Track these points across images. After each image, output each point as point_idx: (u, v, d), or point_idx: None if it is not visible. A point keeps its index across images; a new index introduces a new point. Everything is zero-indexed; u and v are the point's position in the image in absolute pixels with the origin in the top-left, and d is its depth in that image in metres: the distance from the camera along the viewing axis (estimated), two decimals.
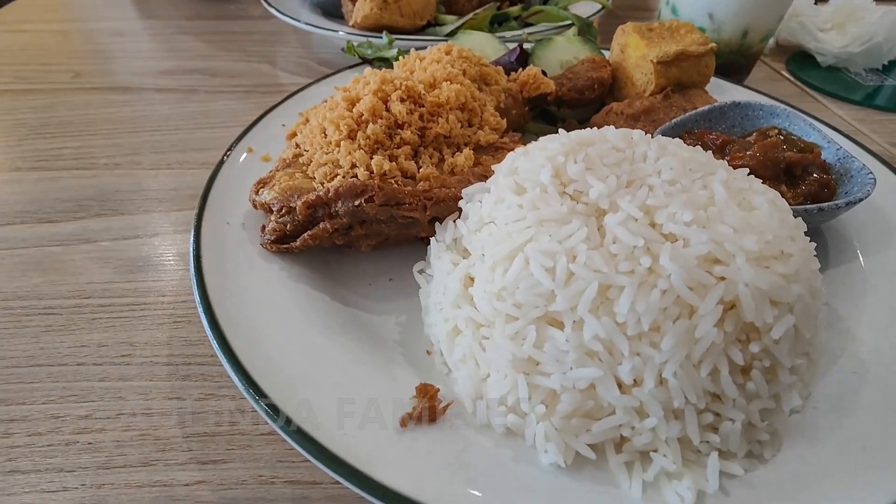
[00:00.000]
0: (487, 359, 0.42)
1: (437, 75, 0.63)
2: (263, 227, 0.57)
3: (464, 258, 0.48)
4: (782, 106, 0.71)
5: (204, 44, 1.22)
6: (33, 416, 0.50)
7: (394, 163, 0.56)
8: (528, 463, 0.39)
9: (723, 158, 0.66)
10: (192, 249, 0.54)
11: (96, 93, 1.02)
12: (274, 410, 0.40)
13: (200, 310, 0.48)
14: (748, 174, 0.60)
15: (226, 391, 0.51)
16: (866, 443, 0.41)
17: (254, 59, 1.16)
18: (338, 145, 0.57)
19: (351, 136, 0.57)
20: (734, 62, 1.03)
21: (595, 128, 0.75)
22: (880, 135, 0.97)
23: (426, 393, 0.43)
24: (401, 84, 0.60)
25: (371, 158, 0.55)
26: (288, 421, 0.39)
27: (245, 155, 0.69)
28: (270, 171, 0.61)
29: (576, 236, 0.40)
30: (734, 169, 0.62)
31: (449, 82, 0.63)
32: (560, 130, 0.54)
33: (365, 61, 0.92)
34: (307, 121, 0.75)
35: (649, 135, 0.54)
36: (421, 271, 0.55)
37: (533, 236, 0.41)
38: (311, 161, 0.59)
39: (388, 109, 0.58)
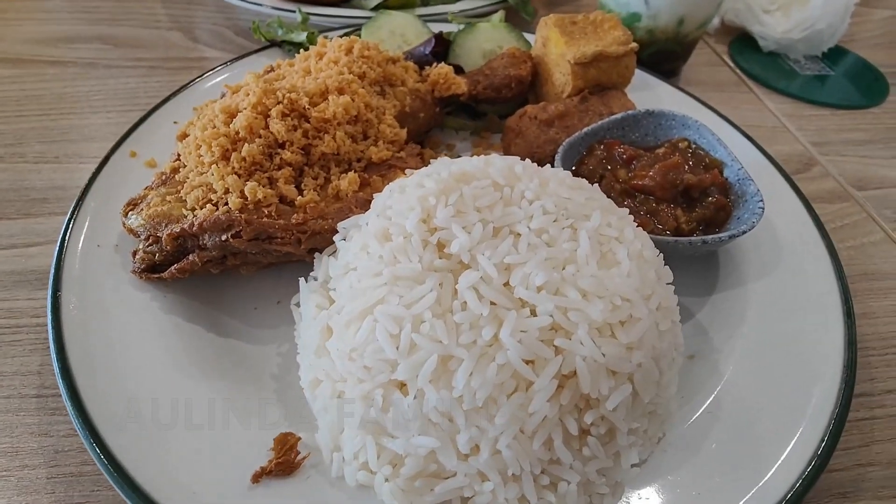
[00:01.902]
0: (343, 415, 0.42)
1: (328, 83, 0.59)
2: (135, 253, 0.54)
3: (329, 302, 0.47)
4: (693, 118, 0.69)
5: (111, 3, 1.11)
6: None
7: (271, 188, 0.53)
8: None
9: (627, 174, 0.66)
10: (51, 280, 0.51)
11: None
12: (121, 474, 0.39)
13: (53, 356, 0.46)
14: (640, 200, 0.60)
15: None
16: (701, 489, 0.43)
17: (164, 23, 1.07)
18: (210, 166, 0.53)
19: (225, 157, 0.53)
20: (670, 50, 1.00)
21: (509, 131, 0.74)
22: (804, 132, 0.97)
23: (285, 444, 0.43)
24: (283, 97, 0.55)
25: (245, 184, 0.52)
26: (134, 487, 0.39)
27: (128, 160, 0.65)
28: (145, 187, 0.57)
29: (425, 300, 0.39)
30: (635, 186, 0.63)
31: (340, 93, 0.59)
32: (440, 161, 0.52)
33: (273, 44, 0.85)
34: (198, 119, 0.70)
35: (535, 165, 0.52)
36: (298, 304, 0.53)
37: (384, 296, 0.40)
38: (187, 179, 0.55)
39: (267, 126, 0.54)
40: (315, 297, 0.47)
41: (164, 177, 0.57)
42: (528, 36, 0.91)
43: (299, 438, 0.44)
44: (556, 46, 0.76)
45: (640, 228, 0.50)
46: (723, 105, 0.99)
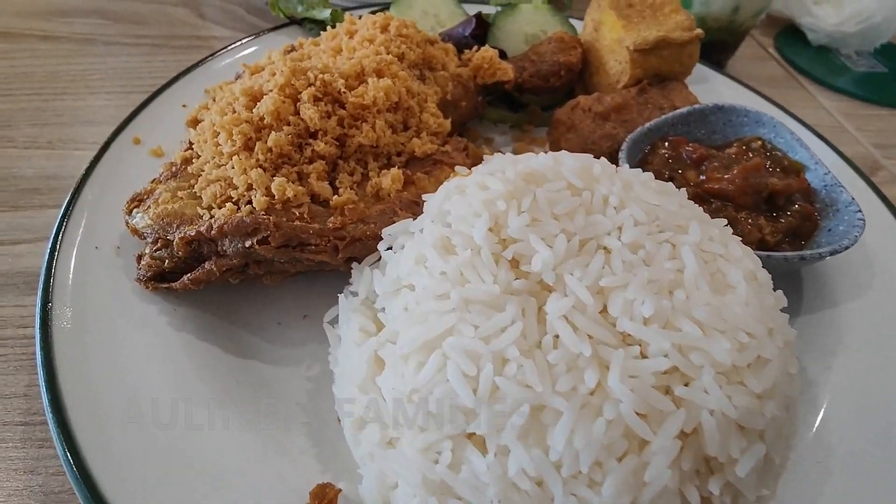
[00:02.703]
0: (395, 466, 0.34)
1: (365, 64, 0.51)
2: (139, 258, 0.46)
3: (377, 326, 0.39)
4: (769, 115, 0.62)
5: None
6: None
7: (302, 185, 0.45)
8: None
9: (699, 176, 0.58)
10: (41, 289, 0.43)
11: None
12: None
13: (41, 381, 0.38)
14: (715, 206, 0.53)
15: None
16: None
17: None
18: (231, 158, 0.45)
19: (248, 148, 0.45)
20: (721, 40, 0.92)
21: (559, 124, 0.66)
22: (865, 133, 0.89)
23: (322, 498, 0.36)
24: (316, 78, 0.47)
25: (272, 180, 0.44)
26: None
27: (131, 148, 0.57)
28: (153, 179, 0.49)
29: (508, 333, 0.31)
30: (710, 190, 0.55)
31: (379, 76, 0.50)
32: (498, 158, 0.44)
33: (293, 21, 0.77)
34: (213, 101, 0.62)
35: (614, 166, 0.45)
36: (333, 321, 0.45)
37: (455, 325, 0.32)
38: (202, 171, 0.47)
39: (297, 112, 0.46)
40: (358, 318, 0.40)
41: (174, 168, 0.49)
42: (571, 21, 0.83)
43: (339, 491, 0.36)
44: (612, 31, 0.68)
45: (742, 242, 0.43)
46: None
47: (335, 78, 0.48)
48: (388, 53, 0.55)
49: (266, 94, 0.47)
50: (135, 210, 0.45)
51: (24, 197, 0.62)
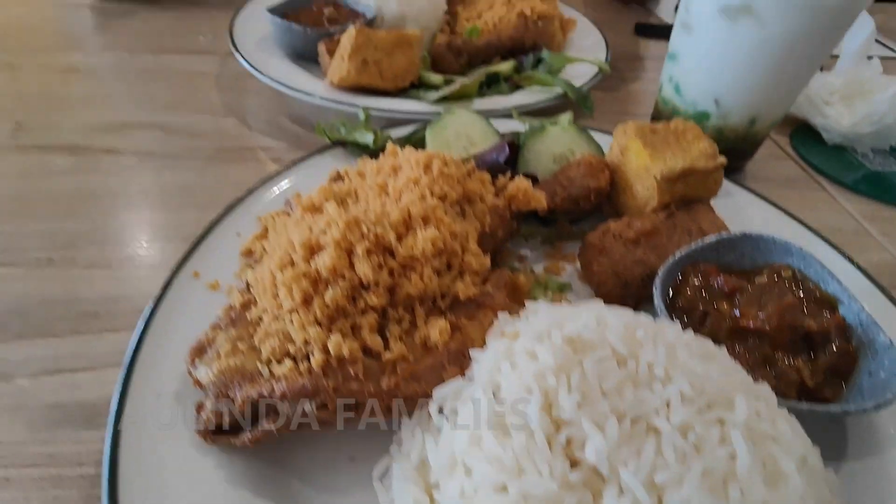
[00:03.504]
0: None
1: (412, 211, 0.55)
2: (199, 408, 0.48)
3: (430, 500, 0.40)
4: (797, 246, 0.64)
5: (168, 87, 1.11)
6: None
7: (354, 337, 0.47)
8: None
9: (732, 309, 0.59)
10: (108, 443, 0.45)
11: (37, 153, 0.90)
12: None
13: None
14: (752, 343, 0.54)
15: None
16: None
17: (219, 110, 1.05)
18: (290, 313, 0.48)
19: (307, 303, 0.48)
20: (738, 149, 0.95)
21: (591, 248, 0.68)
22: (890, 239, 0.91)
23: None
24: (369, 231, 0.51)
25: (329, 337, 0.46)
26: None
27: (190, 281, 0.60)
28: (213, 324, 0.52)
29: None
30: (746, 328, 0.57)
31: (425, 223, 0.54)
32: (540, 310, 0.46)
33: (336, 144, 0.82)
34: (265, 232, 0.66)
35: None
36: (383, 477, 0.47)
37: None
38: (260, 320, 0.50)
39: (352, 266, 0.50)
40: (413, 490, 0.41)
41: (232, 314, 0.52)
42: (597, 135, 0.88)
43: None
44: (639, 157, 0.72)
45: (787, 411, 0.43)
46: (796, 205, 0.94)
47: (387, 230, 0.51)
48: (431, 195, 0.59)
49: (323, 247, 0.50)
50: (198, 361, 0.48)
51: (86, 321, 0.65)
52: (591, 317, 0.45)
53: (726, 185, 0.84)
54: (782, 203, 0.94)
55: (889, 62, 1.58)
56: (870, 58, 1.24)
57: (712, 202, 0.76)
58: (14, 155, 0.90)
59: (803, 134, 1.15)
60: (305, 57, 1.11)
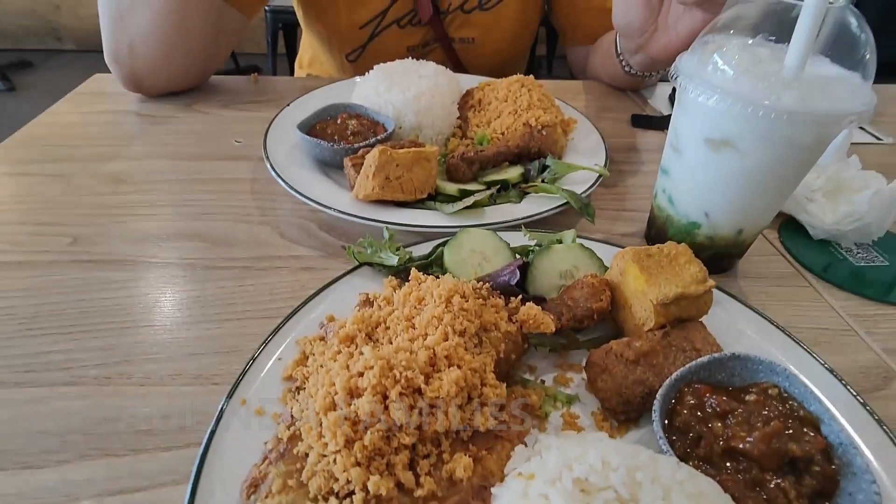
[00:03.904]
0: None
1: (437, 350, 0.63)
2: None
3: None
4: (781, 366, 0.71)
5: (206, 196, 1.23)
6: None
7: (391, 476, 0.55)
8: None
9: (724, 429, 0.66)
10: None
11: (92, 268, 1.01)
12: None
13: None
14: (742, 465, 0.60)
15: None
16: None
17: (254, 218, 1.16)
18: (335, 454, 0.55)
19: (348, 445, 0.55)
20: (728, 252, 1.04)
21: (595, 366, 0.76)
22: (875, 337, 0.97)
23: None
24: (401, 376, 0.59)
25: (368, 477, 0.54)
26: None
27: (239, 408, 0.68)
28: (265, 456, 0.60)
29: None
30: (736, 451, 0.63)
31: (449, 363, 0.62)
32: (559, 454, 0.53)
33: (364, 265, 0.92)
34: (304, 357, 0.74)
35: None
36: None
37: None
38: (307, 454, 0.58)
39: (386, 408, 0.57)
40: None
41: (280, 447, 0.60)
42: (594, 245, 0.97)
43: None
44: (636, 281, 0.81)
45: None
46: (784, 302, 1.03)
47: (416, 374, 0.59)
48: (453, 332, 0.67)
49: (360, 390, 0.58)
50: (253, 496, 0.55)
51: (141, 439, 0.73)
52: (597, 458, 0.52)
53: (718, 294, 0.92)
54: (772, 303, 1.02)
55: (872, 147, 1.70)
56: (850, 155, 1.34)
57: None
58: (71, 270, 1.00)
59: (791, 229, 1.24)
60: (332, 165, 1.24)
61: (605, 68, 1.82)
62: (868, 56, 0.86)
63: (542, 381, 0.80)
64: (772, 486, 0.61)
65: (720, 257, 1.06)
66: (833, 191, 1.24)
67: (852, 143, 1.67)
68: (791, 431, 0.65)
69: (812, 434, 0.65)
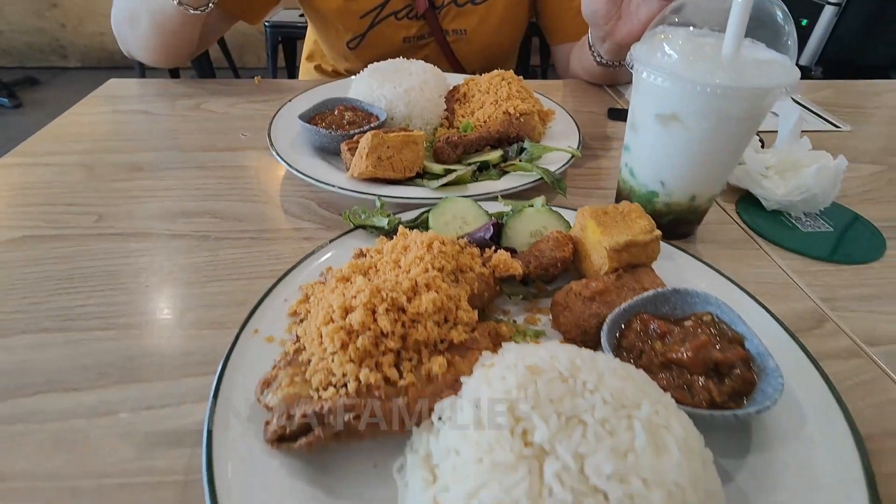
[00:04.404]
0: None
1: (418, 280, 0.75)
2: (266, 424, 0.66)
3: (433, 478, 0.58)
4: (714, 297, 0.83)
5: (216, 181, 1.36)
6: None
7: (378, 372, 0.66)
8: None
9: (663, 347, 0.78)
10: (204, 451, 0.63)
11: (116, 240, 1.13)
12: None
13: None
14: (676, 372, 0.72)
15: None
16: None
17: (259, 198, 1.29)
18: (332, 355, 0.67)
19: (344, 347, 0.67)
20: (685, 218, 1.17)
21: (557, 305, 0.88)
22: (813, 288, 1.09)
23: None
24: (387, 296, 0.71)
25: (360, 370, 0.66)
26: None
27: (251, 337, 0.80)
28: (274, 365, 0.72)
29: (520, 488, 0.50)
30: (671, 360, 0.75)
31: (427, 289, 0.74)
32: (512, 349, 0.65)
33: (359, 227, 1.05)
34: (307, 297, 0.86)
35: (586, 338, 0.66)
36: (400, 469, 0.64)
37: (486, 482, 0.51)
38: (310, 361, 0.70)
39: (375, 320, 0.70)
40: (421, 473, 0.58)
41: (288, 357, 0.72)
42: (563, 211, 1.10)
43: None
44: (593, 234, 0.93)
45: (680, 403, 0.62)
46: (736, 262, 1.14)
47: (399, 295, 0.72)
48: (432, 268, 0.79)
49: (354, 308, 0.70)
50: (265, 390, 0.67)
51: (166, 371, 0.85)
52: (546, 353, 0.64)
53: (670, 250, 1.05)
54: (725, 261, 1.14)
55: (831, 134, 1.83)
56: (802, 136, 1.47)
57: (657, 265, 0.97)
58: (98, 242, 1.13)
59: (747, 202, 1.37)
60: (330, 151, 1.37)
61: (581, 62, 1.97)
62: (790, 42, 1.00)
63: (514, 321, 0.92)
64: (699, 386, 0.72)
65: (679, 223, 1.18)
66: (785, 168, 1.37)
67: (814, 132, 1.82)
68: (718, 345, 0.77)
69: (735, 347, 0.77)
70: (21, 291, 0.98)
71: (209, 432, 0.65)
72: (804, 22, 4.84)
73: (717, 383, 0.73)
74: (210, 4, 1.61)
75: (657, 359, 0.77)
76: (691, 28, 1.08)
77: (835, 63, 4.53)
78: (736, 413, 0.67)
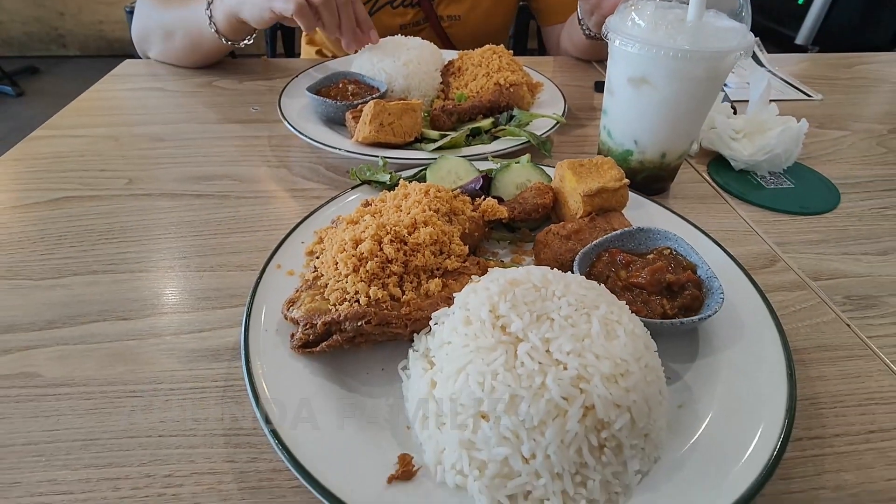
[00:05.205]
0: (444, 439, 0.65)
1: (417, 218, 0.88)
2: (292, 335, 0.80)
3: (431, 366, 0.72)
4: (672, 233, 0.96)
5: (232, 149, 1.48)
6: (133, 475, 0.71)
7: (385, 290, 0.80)
8: None
9: (626, 275, 0.91)
10: (243, 354, 0.77)
11: (147, 199, 1.26)
12: (303, 471, 0.63)
13: (251, 398, 0.71)
14: (636, 293, 0.86)
15: (266, 456, 0.73)
16: (686, 491, 0.64)
17: (273, 163, 1.42)
18: (346, 277, 0.81)
19: (355, 271, 0.81)
20: (657, 174, 1.29)
21: (538, 243, 1.01)
22: (770, 235, 1.22)
23: (404, 461, 0.66)
24: (391, 229, 0.84)
25: (369, 288, 0.79)
26: (311, 478, 0.62)
27: (275, 270, 0.94)
28: (297, 290, 0.85)
29: (497, 361, 0.63)
30: (632, 283, 0.88)
31: (425, 225, 0.88)
32: (496, 270, 0.78)
33: (364, 182, 1.17)
34: (321, 239, 1.00)
35: (563, 269, 0.79)
36: (404, 368, 0.78)
37: (472, 360, 0.65)
38: (327, 285, 0.83)
39: (381, 249, 0.83)
40: (420, 363, 0.72)
41: (308, 283, 0.85)
42: (547, 169, 1.23)
43: (413, 457, 0.67)
44: (570, 183, 1.06)
45: (636, 314, 0.75)
46: (704, 214, 1.27)
47: (401, 228, 0.85)
48: (429, 209, 0.92)
49: (363, 240, 0.84)
50: (291, 308, 0.81)
51: (201, 303, 0.98)
52: (524, 270, 0.78)
53: (640, 200, 1.17)
54: (693, 214, 1.27)
55: (803, 103, 1.94)
56: (771, 102, 1.59)
57: (630, 214, 1.09)
58: (131, 201, 1.26)
59: (717, 163, 1.49)
60: (335, 121, 1.49)
61: (570, 38, 2.08)
62: (745, 14, 1.12)
63: (502, 261, 1.06)
64: (655, 303, 0.86)
65: (652, 179, 1.31)
66: (753, 132, 1.49)
67: (788, 100, 1.93)
68: (672, 271, 0.90)
69: (687, 273, 0.90)
70: (70, 241, 1.12)
71: (246, 342, 0.79)
72: (800, 0, 4.92)
73: (670, 300, 0.87)
74: (249, 40, 1.75)
75: (620, 283, 0.90)
76: (659, 0, 1.20)
77: (832, 43, 4.56)
78: (682, 320, 0.81)
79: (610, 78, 1.25)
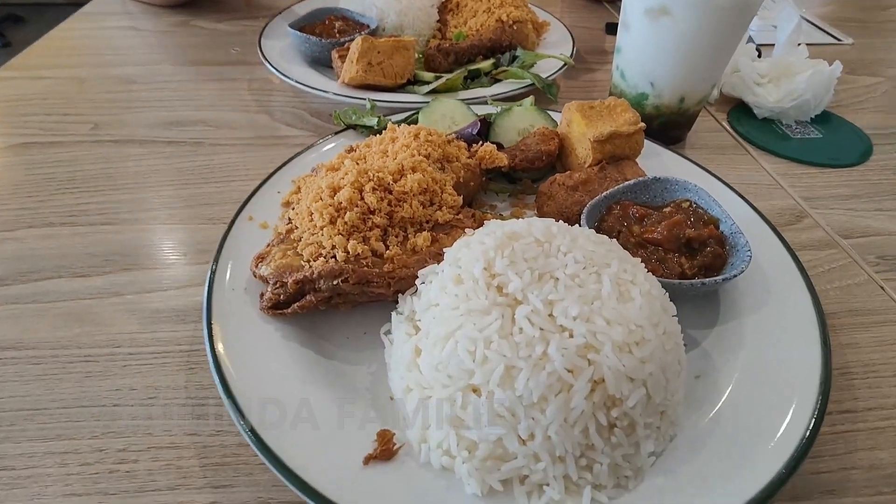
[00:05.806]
0: (429, 413, 0.56)
1: (404, 164, 0.77)
2: (262, 295, 0.71)
3: (416, 331, 0.63)
4: (693, 183, 0.85)
5: (209, 92, 1.35)
6: (82, 449, 0.64)
7: (366, 245, 0.70)
8: (456, 491, 0.54)
9: (640, 229, 0.81)
10: (205, 316, 0.68)
11: (114, 146, 1.15)
12: (266, 450, 0.55)
13: (212, 367, 0.63)
14: (651, 251, 0.76)
15: (232, 429, 0.66)
16: (706, 476, 0.56)
17: (252, 108, 1.30)
18: (321, 229, 0.71)
19: (332, 222, 0.71)
20: (675, 121, 1.17)
21: (542, 195, 0.91)
22: (796, 189, 1.11)
23: (384, 438, 0.58)
24: (374, 176, 0.74)
25: (348, 242, 0.69)
26: (276, 461, 0.54)
27: (247, 223, 0.84)
28: (268, 244, 0.76)
29: (492, 326, 0.54)
30: (646, 239, 0.78)
31: (413, 171, 0.77)
32: (493, 222, 0.68)
33: (349, 127, 1.06)
34: (299, 189, 0.89)
35: (568, 224, 0.69)
36: (387, 332, 0.69)
37: (462, 324, 0.56)
38: (301, 238, 0.73)
39: (362, 198, 0.72)
40: (404, 327, 0.63)
41: (281, 236, 0.75)
42: (553, 114, 1.10)
43: (394, 433, 0.59)
44: (578, 127, 0.94)
45: (651, 273, 0.65)
46: (724, 166, 1.16)
47: (386, 175, 0.74)
48: (419, 154, 0.81)
49: (342, 187, 0.73)
50: (259, 264, 0.71)
51: (169, 257, 0.89)
52: (525, 223, 0.67)
53: (655, 148, 1.06)
54: (713, 165, 1.14)
55: (833, 47, 1.79)
56: (799, 44, 1.44)
57: (644, 163, 0.98)
58: (96, 148, 1.15)
59: (738, 111, 1.36)
60: (321, 62, 1.35)
61: None
62: None
63: (501, 215, 0.95)
64: (672, 261, 0.76)
65: (669, 126, 1.18)
66: (778, 76, 1.35)
67: (816, 44, 1.77)
68: (692, 225, 0.80)
69: (708, 227, 0.80)
70: (25, 190, 1.01)
71: (209, 302, 0.70)
72: None
73: (689, 258, 0.77)
74: None
75: (633, 238, 0.80)
76: None
77: None
78: (704, 281, 0.71)
79: (625, 9, 1.10)
